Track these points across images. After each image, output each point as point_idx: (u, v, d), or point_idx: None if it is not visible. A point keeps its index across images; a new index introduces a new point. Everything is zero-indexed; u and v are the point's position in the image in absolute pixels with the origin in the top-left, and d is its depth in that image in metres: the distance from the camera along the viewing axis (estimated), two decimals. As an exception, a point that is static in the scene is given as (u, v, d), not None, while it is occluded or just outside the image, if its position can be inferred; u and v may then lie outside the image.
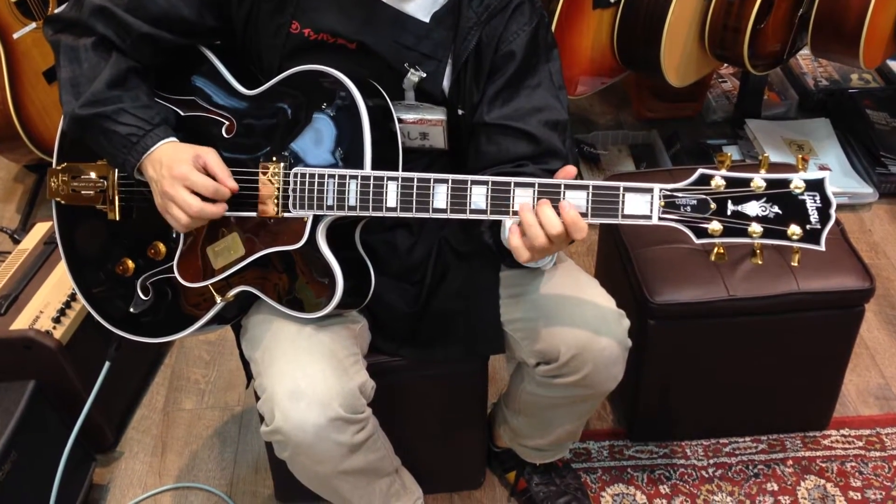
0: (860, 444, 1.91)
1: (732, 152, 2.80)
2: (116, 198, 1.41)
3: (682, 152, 2.77)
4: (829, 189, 1.07)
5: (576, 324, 1.37)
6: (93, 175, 1.42)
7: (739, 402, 1.87)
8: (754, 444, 1.91)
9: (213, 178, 1.27)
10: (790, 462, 1.87)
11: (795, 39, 2.43)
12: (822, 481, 1.83)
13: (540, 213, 1.13)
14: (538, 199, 1.15)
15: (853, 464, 1.86)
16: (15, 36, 2.37)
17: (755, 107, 2.88)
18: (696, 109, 2.99)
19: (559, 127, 1.37)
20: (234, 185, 1.28)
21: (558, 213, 1.13)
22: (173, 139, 1.31)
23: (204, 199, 1.26)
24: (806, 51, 2.49)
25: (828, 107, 2.93)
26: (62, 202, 1.46)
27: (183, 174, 1.25)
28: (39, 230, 2.02)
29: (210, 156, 1.28)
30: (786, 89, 3.02)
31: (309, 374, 1.29)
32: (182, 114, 1.38)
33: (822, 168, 2.67)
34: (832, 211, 1.07)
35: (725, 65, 2.76)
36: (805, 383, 1.85)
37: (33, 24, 2.41)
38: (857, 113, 2.81)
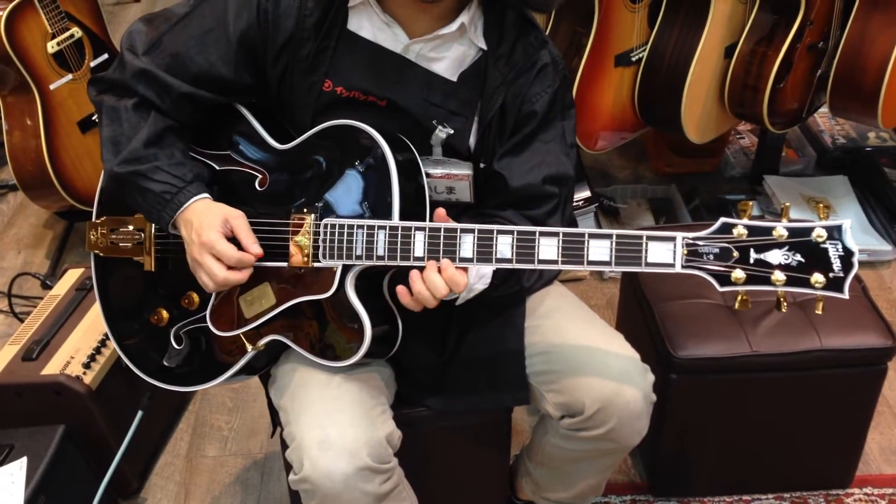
0: (883, 503, 1.89)
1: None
2: (153, 249, 1.45)
3: (700, 207, 2.80)
4: (850, 237, 1.08)
5: (601, 377, 1.38)
6: (131, 228, 1.46)
7: (762, 459, 1.87)
8: (777, 502, 1.90)
9: (239, 242, 1.31)
10: (813, 520, 1.86)
11: (814, 99, 2.47)
12: (846, 540, 1.82)
13: (426, 279, 1.23)
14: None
15: (877, 523, 1.85)
16: (52, 87, 2.45)
17: (773, 163, 2.90)
18: (713, 165, 3.02)
19: (561, 181, 1.41)
20: (258, 251, 1.32)
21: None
22: (205, 195, 1.35)
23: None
24: (824, 109, 2.52)
25: (845, 164, 2.95)
26: (101, 254, 1.50)
27: (210, 242, 1.29)
28: (71, 276, 2.06)
29: (238, 221, 1.32)
30: (803, 146, 3.05)
31: (338, 423, 1.30)
32: (217, 168, 1.42)
33: (841, 225, 2.69)
34: (855, 259, 1.08)
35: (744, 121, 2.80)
36: (827, 440, 1.84)
37: (69, 76, 2.48)
38: (875, 171, 2.83)
